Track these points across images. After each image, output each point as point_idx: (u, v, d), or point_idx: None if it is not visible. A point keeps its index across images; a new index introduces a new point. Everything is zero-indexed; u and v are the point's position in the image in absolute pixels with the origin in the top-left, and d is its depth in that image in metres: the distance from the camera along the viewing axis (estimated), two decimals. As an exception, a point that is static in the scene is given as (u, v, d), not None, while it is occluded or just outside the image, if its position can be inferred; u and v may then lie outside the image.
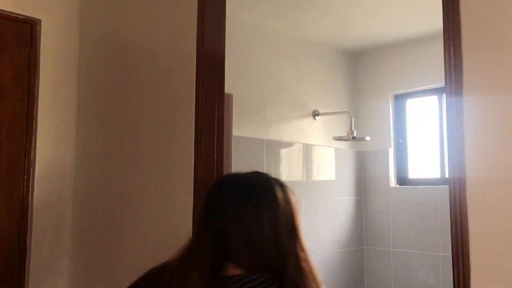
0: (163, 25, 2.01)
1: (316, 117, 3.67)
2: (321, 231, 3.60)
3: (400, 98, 3.88)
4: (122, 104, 2.16)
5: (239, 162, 3.08)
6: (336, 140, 3.37)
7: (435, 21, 3.56)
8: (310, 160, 3.60)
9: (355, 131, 3.33)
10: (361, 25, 3.45)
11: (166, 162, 1.85)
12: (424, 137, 3.76)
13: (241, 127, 3.15)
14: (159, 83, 1.95)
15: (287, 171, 3.42)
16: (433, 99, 3.70)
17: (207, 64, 1.88)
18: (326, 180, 3.70)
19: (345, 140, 3.35)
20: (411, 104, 3.86)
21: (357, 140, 3.32)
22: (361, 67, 4.08)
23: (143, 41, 2.09)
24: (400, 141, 3.86)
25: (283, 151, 3.40)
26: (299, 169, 3.50)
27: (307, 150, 3.58)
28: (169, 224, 1.84)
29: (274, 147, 3.33)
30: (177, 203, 1.79)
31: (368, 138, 3.30)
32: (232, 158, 3.04)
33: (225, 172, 1.84)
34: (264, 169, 3.25)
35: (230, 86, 3.14)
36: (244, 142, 3.13)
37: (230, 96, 1.74)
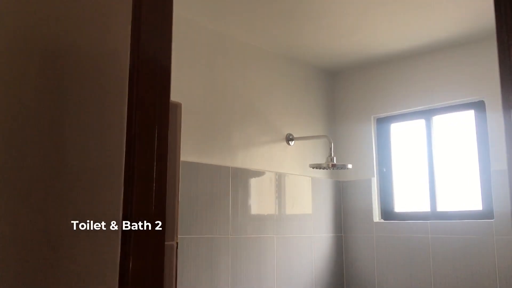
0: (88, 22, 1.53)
1: (290, 142, 3.22)
2: (296, 273, 3.10)
3: (383, 122, 3.47)
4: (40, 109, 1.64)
5: (201, 193, 2.58)
6: (313, 168, 2.92)
7: (422, 36, 3.27)
8: (284, 191, 3.12)
9: (335, 158, 2.89)
10: (340, 41, 3.06)
11: (83, 194, 1.33)
12: (411, 165, 3.35)
13: (202, 153, 2.66)
14: (81, 95, 1.45)
15: (257, 203, 2.93)
16: (420, 122, 3.31)
17: (145, 75, 1.37)
18: (302, 214, 3.22)
19: (323, 169, 2.91)
20: (395, 128, 3.45)
21: (337, 169, 2.88)
22: (340, 87, 3.68)
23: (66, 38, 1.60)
24: (384, 170, 3.43)
25: (252, 181, 2.92)
26: (270, 202, 3.01)
27: (280, 179, 3.11)
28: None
29: (241, 176, 2.85)
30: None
31: (350, 166, 2.86)
32: (191, 188, 2.54)
33: (171, 208, 1.34)
34: (229, 202, 2.75)
35: (188, 104, 2.70)
36: (205, 169, 2.63)
37: (178, 106, 1.28)
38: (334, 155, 2.91)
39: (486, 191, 2.92)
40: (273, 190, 3.05)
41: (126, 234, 1.19)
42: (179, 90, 2.56)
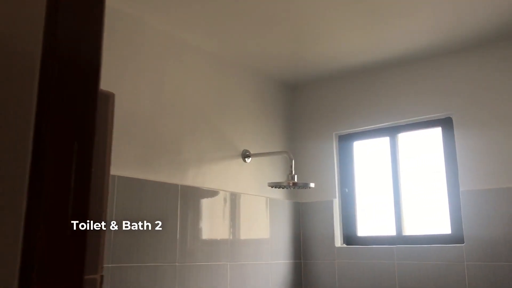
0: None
1: (246, 159, 2.94)
2: (252, 306, 2.78)
3: (345, 139, 3.26)
4: None
5: (144, 214, 2.23)
6: (271, 187, 2.64)
7: (387, 48, 2.91)
8: (239, 212, 2.82)
9: (296, 176, 2.62)
10: (302, 51, 2.84)
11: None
12: (376, 185, 3.13)
13: (148, 168, 2.33)
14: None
15: (209, 226, 2.60)
16: (384, 140, 3.11)
17: (62, 76, 1.05)
18: (258, 239, 2.92)
19: (283, 188, 2.64)
20: (358, 146, 3.24)
21: (299, 188, 2.61)
22: (300, 102, 3.45)
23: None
24: (347, 190, 3.20)
25: (204, 201, 2.60)
26: (224, 225, 2.70)
27: (235, 200, 2.81)
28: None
29: (192, 195, 2.53)
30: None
31: (312, 185, 2.61)
32: (133, 208, 2.19)
33: (94, 233, 1.01)
34: (177, 224, 2.42)
35: (132, 112, 2.35)
36: (151, 187, 2.30)
37: (109, 97, 0.99)
38: (295, 173, 2.64)
39: (455, 213, 2.74)
40: (227, 212, 2.74)
41: (26, 268, 0.85)
42: (120, 95, 2.23)
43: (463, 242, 2.66)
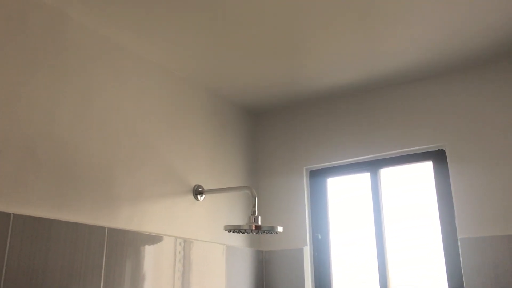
0: None
1: (199, 196, 2.38)
2: None
3: (318, 175, 2.76)
4: None
5: (52, 267, 1.62)
6: (229, 232, 2.08)
7: (367, 68, 2.35)
8: (188, 264, 2.23)
9: (259, 218, 2.08)
10: (266, 73, 2.37)
11: None
12: (354, 231, 2.62)
13: (61, 205, 1.74)
14: None
15: (148, 282, 2.00)
16: (364, 177, 2.63)
17: None
18: (212, 298, 2.33)
19: (243, 232, 2.08)
20: (333, 183, 2.74)
21: (263, 232, 2.06)
22: (264, 131, 2.95)
23: None
24: (320, 236, 2.67)
25: (142, 251, 2.01)
26: (168, 280, 2.10)
27: (184, 248, 2.23)
28: None
29: (124, 241, 1.93)
30: None
31: (280, 229, 2.06)
32: (35, 259, 1.58)
33: None
34: (101, 282, 1.81)
35: (43, 131, 1.70)
36: (64, 230, 1.70)
37: None
38: (258, 214, 2.10)
39: (453, 264, 2.24)
40: (172, 263, 2.14)
41: None
42: (28, 105, 1.67)
43: (464, 302, 2.16)
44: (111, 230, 1.89)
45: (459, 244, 2.20)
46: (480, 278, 2.11)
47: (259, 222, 2.06)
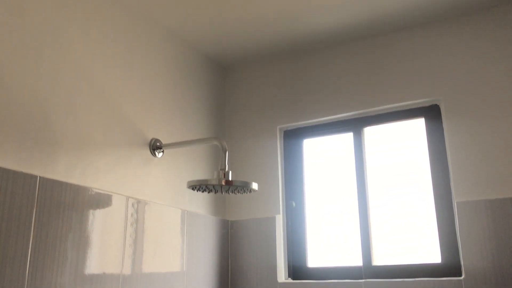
0: None
1: (157, 152, 2.01)
2: None
3: (293, 136, 2.44)
4: None
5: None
6: (193, 189, 1.72)
7: (352, 12, 2.02)
8: (142, 229, 1.86)
9: (230, 173, 1.73)
10: (236, 17, 2.02)
11: None
12: (334, 198, 2.32)
13: (-22, 140, 1.33)
14: None
15: (90, 253, 1.61)
16: (346, 137, 2.33)
17: None
18: (169, 273, 1.97)
19: (211, 190, 1.73)
20: (310, 145, 2.43)
21: (236, 190, 1.71)
22: (233, 85, 2.60)
23: None
24: (294, 204, 2.36)
25: (88, 209, 1.62)
26: (115, 250, 1.72)
27: (137, 211, 1.85)
28: None
29: (61, 196, 1.54)
30: None
31: (255, 186, 1.72)
32: None
33: None
34: (30, 243, 1.41)
35: None
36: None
37: None
38: (229, 170, 1.75)
39: (447, 231, 1.98)
40: (122, 227, 1.76)
41: None
42: None
43: (461, 275, 1.89)
44: (45, 180, 1.49)
45: (455, 209, 1.94)
46: (478, 245, 1.85)
47: (230, 176, 1.71)
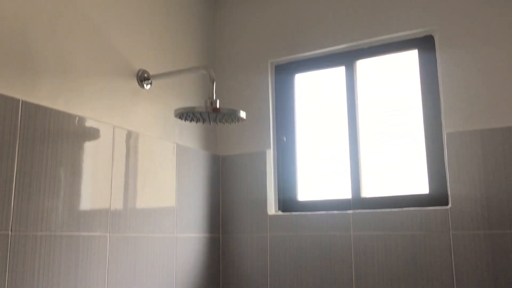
0: None
1: (144, 83, 1.98)
2: (145, 301, 1.85)
3: (284, 70, 2.40)
4: None
5: None
6: (180, 118, 1.71)
7: None
8: (132, 161, 1.86)
9: (218, 102, 1.71)
10: None
11: None
12: (325, 132, 2.31)
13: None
14: None
15: (85, 178, 1.62)
16: (338, 71, 2.30)
17: None
18: (158, 209, 1.98)
19: (198, 120, 1.71)
20: (302, 79, 2.40)
21: (222, 119, 1.70)
22: (223, 15, 2.53)
23: None
24: (285, 139, 2.35)
25: (73, 136, 1.61)
26: (104, 183, 1.72)
27: (126, 141, 1.84)
28: None
29: (48, 122, 1.53)
30: None
31: (243, 115, 1.71)
32: None
33: None
34: (14, 167, 1.41)
35: None
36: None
37: None
38: (216, 98, 1.73)
39: (436, 165, 1.98)
40: (110, 158, 1.76)
41: None
42: None
43: (447, 204, 1.91)
44: (28, 104, 1.47)
45: (445, 139, 1.93)
46: (466, 176, 1.86)
47: (218, 104, 1.69)
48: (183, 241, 2.07)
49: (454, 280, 1.82)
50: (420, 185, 2.02)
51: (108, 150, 1.75)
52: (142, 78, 1.98)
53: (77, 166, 1.62)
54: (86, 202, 1.63)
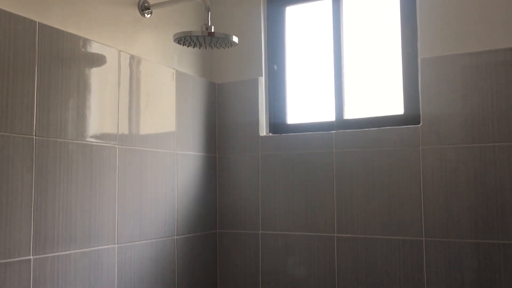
0: None
1: (145, 12, 2.15)
2: (149, 211, 2.11)
3: (276, 3, 2.56)
4: None
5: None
6: (178, 43, 1.90)
7: None
8: (136, 84, 2.06)
9: (213, 27, 1.89)
10: None
11: None
12: (312, 62, 2.51)
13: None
14: None
15: (93, 98, 1.83)
16: (324, 4, 2.46)
17: None
18: (159, 134, 2.20)
19: (195, 44, 1.90)
20: (292, 12, 2.56)
21: (217, 43, 1.88)
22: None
23: None
24: (275, 67, 2.55)
25: (84, 57, 1.80)
26: (112, 98, 1.93)
27: (130, 65, 2.04)
28: None
29: (62, 43, 1.72)
30: None
31: (236, 40, 1.90)
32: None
33: None
34: (35, 84, 1.62)
35: None
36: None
37: None
38: (211, 25, 1.91)
39: (411, 88, 2.19)
40: (116, 80, 1.96)
41: None
42: None
43: (419, 123, 2.14)
44: (44, 26, 1.66)
45: (419, 65, 2.13)
46: (437, 98, 2.07)
47: (213, 29, 1.88)
48: (183, 157, 2.31)
49: (422, 189, 2.08)
50: (397, 107, 2.24)
51: (114, 72, 1.95)
52: (143, 7, 2.14)
53: (88, 85, 1.82)
54: (97, 116, 1.85)
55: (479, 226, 1.97)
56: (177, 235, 2.24)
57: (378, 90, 2.32)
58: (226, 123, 2.55)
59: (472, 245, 1.97)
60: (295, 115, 2.51)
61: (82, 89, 1.80)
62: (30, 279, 1.56)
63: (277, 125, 2.51)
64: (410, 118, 2.18)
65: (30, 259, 1.56)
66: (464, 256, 1.98)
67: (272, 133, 2.50)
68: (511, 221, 1.91)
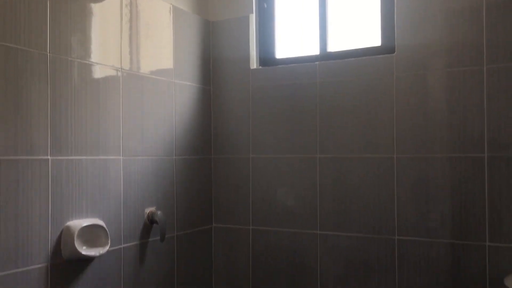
0: None
1: (144, -51, 2.32)
2: (150, 131, 2.34)
3: None
4: None
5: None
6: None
7: None
8: (134, 23, 2.25)
9: (206, -39, 2.09)
10: None
11: None
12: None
13: None
14: None
15: (96, 36, 2.02)
16: None
17: None
18: (158, 70, 2.41)
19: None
20: (281, -47, 2.74)
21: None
22: None
23: None
24: (265, 5, 2.74)
25: (86, -14, 1.99)
26: (115, 36, 2.13)
27: (129, 4, 2.23)
28: None
29: (68, -28, 1.91)
30: None
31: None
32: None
33: None
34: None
35: None
36: None
37: None
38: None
39: (387, 21, 2.40)
40: (118, 12, 2.16)
41: None
42: None
43: (394, 52, 2.35)
44: (53, -46, 1.85)
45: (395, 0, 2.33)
46: (411, 28, 2.28)
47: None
48: (180, 86, 2.53)
49: (394, 113, 2.31)
50: (374, 39, 2.45)
51: (116, 4, 2.15)
52: None
53: (95, 14, 2.02)
54: (99, 40, 2.06)
55: (448, 142, 2.21)
56: (175, 156, 2.48)
57: (357, 22, 2.52)
58: (220, 57, 2.76)
59: (443, 159, 2.21)
60: (283, 49, 2.72)
61: (88, 17, 2.00)
62: (48, 177, 1.81)
63: (267, 59, 2.72)
64: (387, 48, 2.39)
65: (48, 159, 1.80)
66: (434, 170, 2.23)
67: (262, 66, 2.72)
68: (477, 131, 2.15)
